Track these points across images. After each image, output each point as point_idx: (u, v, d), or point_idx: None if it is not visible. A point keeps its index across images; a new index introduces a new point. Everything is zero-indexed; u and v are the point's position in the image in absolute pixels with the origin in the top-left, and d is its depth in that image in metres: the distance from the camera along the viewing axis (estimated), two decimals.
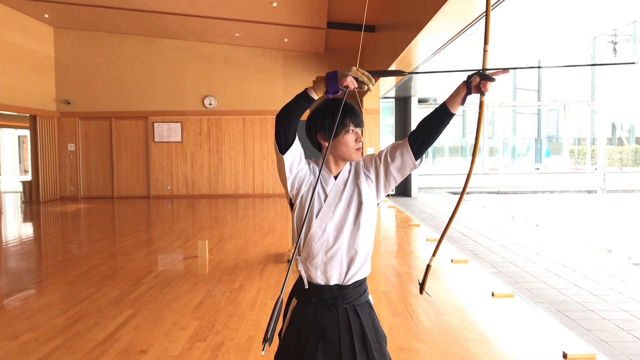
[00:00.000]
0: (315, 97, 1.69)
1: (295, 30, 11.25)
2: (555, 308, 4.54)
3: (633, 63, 1.75)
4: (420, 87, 12.98)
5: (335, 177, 1.87)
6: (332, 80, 1.65)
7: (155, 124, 13.26)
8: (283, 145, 1.73)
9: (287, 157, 1.75)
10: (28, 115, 12.42)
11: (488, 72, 1.69)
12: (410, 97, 13.96)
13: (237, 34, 12.06)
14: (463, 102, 1.74)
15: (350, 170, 1.89)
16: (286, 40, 12.22)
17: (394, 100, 14.81)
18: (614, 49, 25.69)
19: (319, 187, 1.85)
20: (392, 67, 8.78)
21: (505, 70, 1.71)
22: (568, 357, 3.27)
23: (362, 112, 1.88)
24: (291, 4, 9.43)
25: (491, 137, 21.28)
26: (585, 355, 3.31)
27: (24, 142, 22.87)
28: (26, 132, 19.82)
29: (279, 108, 1.76)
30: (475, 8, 5.04)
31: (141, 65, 13.20)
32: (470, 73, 1.72)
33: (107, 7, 10.67)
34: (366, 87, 1.66)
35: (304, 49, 13.00)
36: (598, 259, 6.64)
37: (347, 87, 1.64)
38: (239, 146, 13.40)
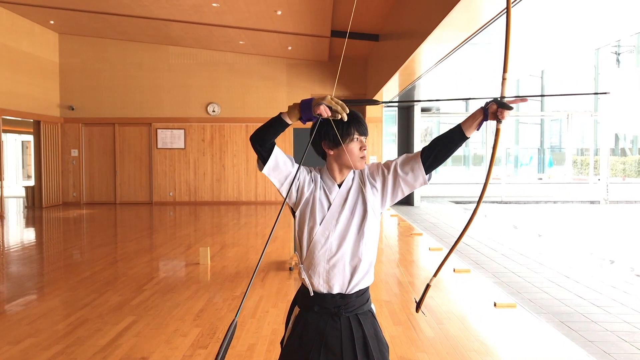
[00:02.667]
0: (289, 122, 1.72)
1: (299, 38, 11.30)
2: (558, 319, 4.52)
3: (606, 93, 1.78)
4: (424, 97, 13.02)
5: (340, 186, 1.88)
6: (306, 108, 1.68)
7: (159, 131, 13.30)
8: (264, 159, 1.77)
9: (267, 169, 1.79)
10: (32, 120, 12.48)
11: (506, 100, 1.68)
12: (413, 106, 14.00)
13: (241, 42, 12.12)
14: (479, 127, 1.74)
15: (354, 178, 1.90)
16: (290, 48, 12.27)
17: (397, 109, 14.84)
18: (617, 60, 25.73)
19: (322, 196, 1.85)
20: (396, 76, 8.83)
21: (524, 98, 1.72)
22: None
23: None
24: (295, 13, 9.48)
25: None
26: None
27: (27, 148, 22.97)
28: (30, 138, 19.91)
29: None
30: (479, 18, 5.07)
31: (145, 72, 13.27)
32: (488, 100, 1.71)
33: (112, 14, 10.75)
34: (340, 117, 1.68)
35: (307, 57, 13.05)
36: (601, 269, 6.61)
37: (320, 115, 1.66)
38: (241, 153, 13.42)
